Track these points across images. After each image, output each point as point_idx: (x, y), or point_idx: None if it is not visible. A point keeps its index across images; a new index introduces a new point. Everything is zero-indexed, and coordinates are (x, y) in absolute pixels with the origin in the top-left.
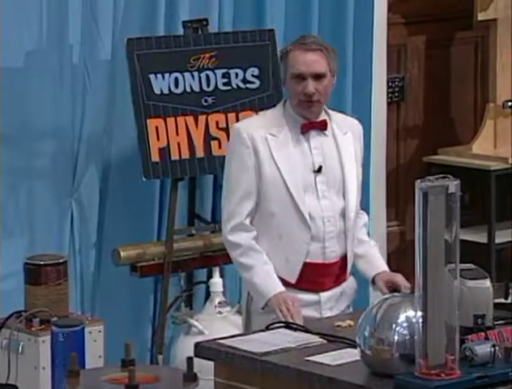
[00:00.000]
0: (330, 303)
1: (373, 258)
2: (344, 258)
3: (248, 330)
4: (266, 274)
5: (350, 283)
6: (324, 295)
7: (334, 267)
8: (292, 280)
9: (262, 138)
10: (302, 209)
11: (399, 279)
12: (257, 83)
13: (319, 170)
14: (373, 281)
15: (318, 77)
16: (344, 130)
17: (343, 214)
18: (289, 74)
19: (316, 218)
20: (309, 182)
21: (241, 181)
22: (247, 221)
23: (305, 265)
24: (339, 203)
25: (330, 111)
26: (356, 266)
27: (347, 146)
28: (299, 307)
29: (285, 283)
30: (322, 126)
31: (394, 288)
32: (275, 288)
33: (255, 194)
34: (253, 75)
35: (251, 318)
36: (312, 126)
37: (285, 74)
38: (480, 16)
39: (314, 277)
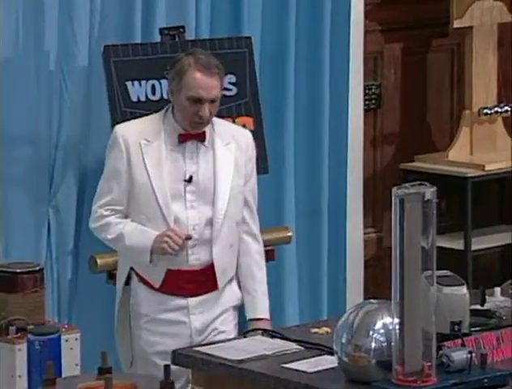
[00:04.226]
0: (200, 308)
1: (256, 300)
2: (211, 265)
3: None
4: (136, 232)
5: (228, 292)
6: (192, 300)
7: (199, 274)
8: (156, 285)
9: (135, 143)
10: (167, 217)
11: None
12: (234, 90)
13: (190, 180)
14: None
15: (214, 101)
16: (227, 141)
17: (211, 222)
18: (186, 94)
19: (182, 226)
20: (178, 191)
21: (111, 188)
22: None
23: (169, 271)
24: (207, 212)
25: (217, 121)
26: (243, 298)
27: (226, 156)
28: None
29: (150, 286)
30: (200, 137)
31: None
32: (151, 236)
33: (125, 201)
34: (230, 82)
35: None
36: (190, 136)
37: (178, 89)
38: (456, 24)
39: (179, 283)
